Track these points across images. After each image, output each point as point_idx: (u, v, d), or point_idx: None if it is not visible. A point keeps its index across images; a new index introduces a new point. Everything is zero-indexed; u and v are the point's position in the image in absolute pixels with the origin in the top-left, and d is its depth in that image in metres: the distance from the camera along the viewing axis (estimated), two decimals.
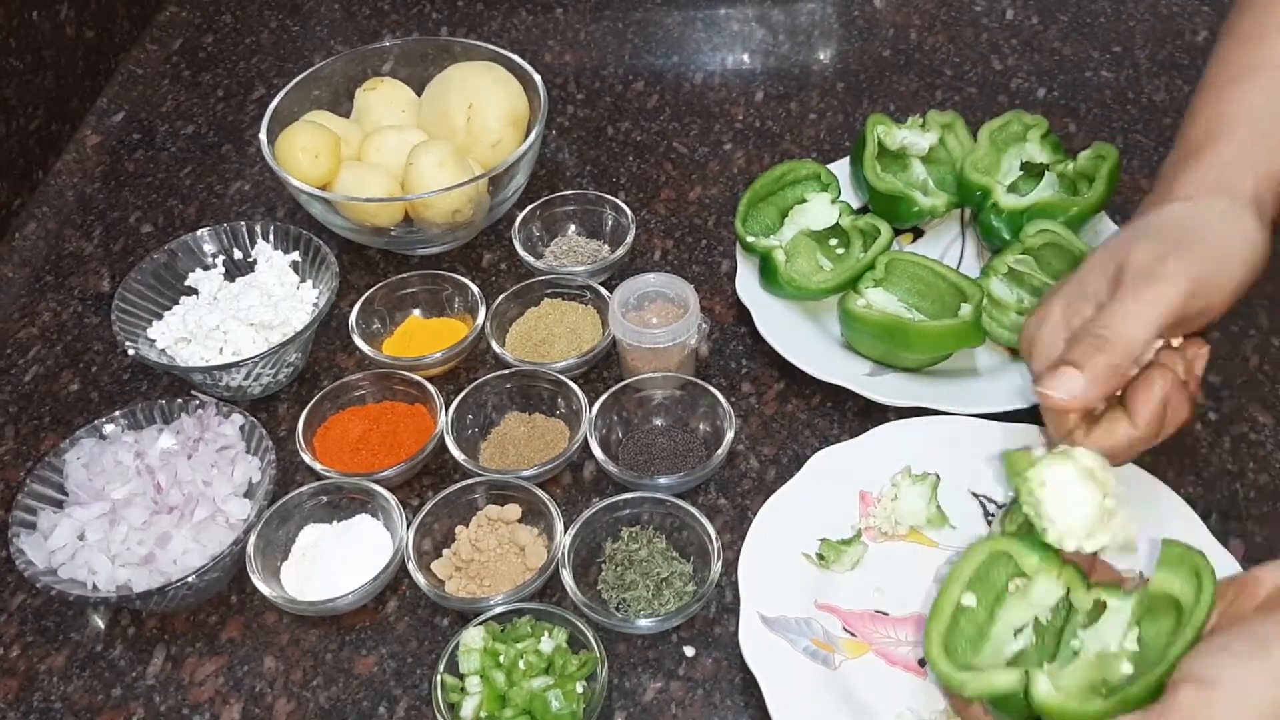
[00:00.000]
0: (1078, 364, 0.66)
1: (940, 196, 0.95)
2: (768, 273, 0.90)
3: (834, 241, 0.93)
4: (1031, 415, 0.82)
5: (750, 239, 0.92)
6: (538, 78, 1.01)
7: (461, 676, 0.69)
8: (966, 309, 0.83)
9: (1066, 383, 0.66)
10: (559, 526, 0.76)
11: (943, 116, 0.98)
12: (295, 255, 0.94)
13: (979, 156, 0.95)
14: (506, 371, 0.86)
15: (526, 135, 0.99)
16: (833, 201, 0.94)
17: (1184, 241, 0.68)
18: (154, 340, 0.88)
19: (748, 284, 0.92)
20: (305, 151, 0.93)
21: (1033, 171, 0.95)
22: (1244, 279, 0.69)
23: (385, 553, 0.77)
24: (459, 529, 0.79)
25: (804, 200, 0.95)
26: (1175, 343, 0.71)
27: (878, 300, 0.88)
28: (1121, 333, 0.66)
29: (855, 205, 0.96)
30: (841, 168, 1.00)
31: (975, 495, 0.79)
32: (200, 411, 0.82)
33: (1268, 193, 0.71)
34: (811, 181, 0.96)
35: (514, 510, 0.79)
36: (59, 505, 0.78)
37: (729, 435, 0.81)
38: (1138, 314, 0.66)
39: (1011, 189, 0.94)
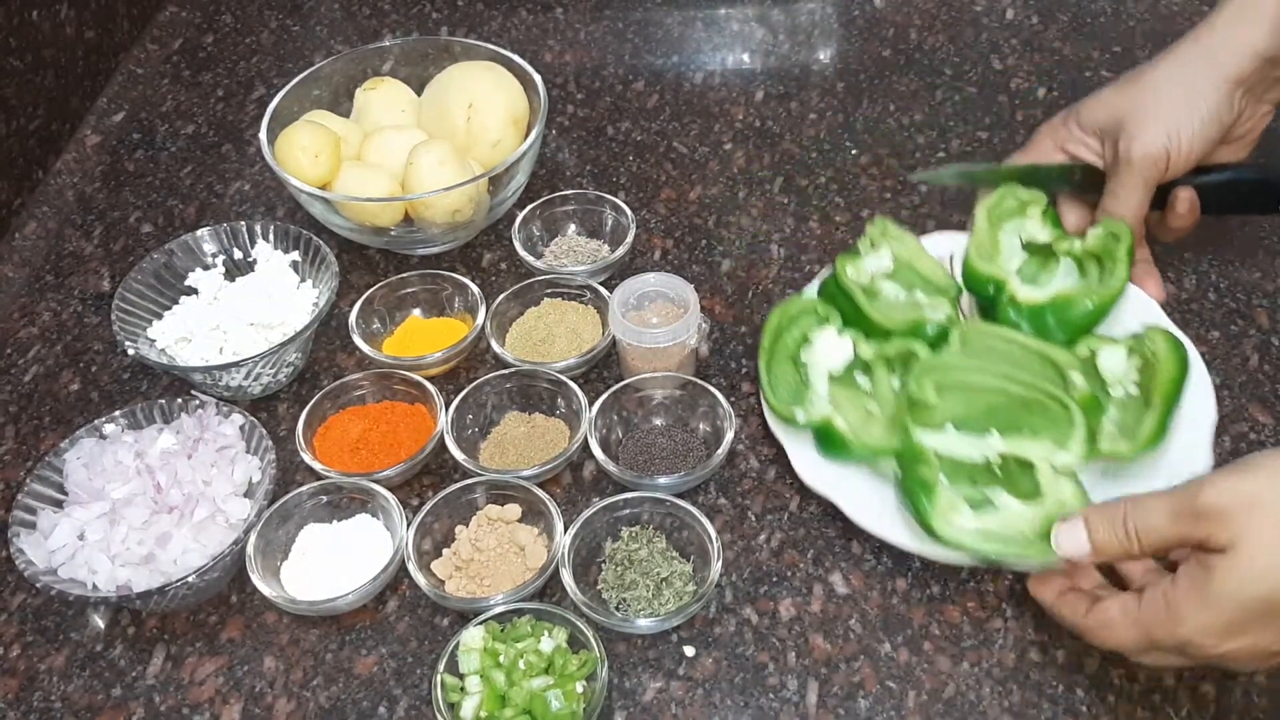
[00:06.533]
0: None
1: (941, 301, 0.84)
2: (832, 445, 0.78)
3: (859, 376, 0.82)
4: None
5: (800, 418, 0.79)
6: (538, 78, 1.01)
7: (461, 676, 0.69)
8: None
9: None
10: (559, 526, 0.76)
11: (875, 226, 0.87)
12: (295, 255, 0.94)
13: (981, 241, 0.86)
14: (506, 371, 0.86)
15: (526, 135, 0.99)
16: (839, 332, 0.82)
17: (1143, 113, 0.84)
18: (154, 340, 0.88)
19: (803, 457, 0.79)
20: (305, 151, 0.93)
21: (1036, 252, 0.87)
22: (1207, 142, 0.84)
23: (385, 553, 0.77)
24: (459, 529, 0.79)
25: (807, 340, 0.83)
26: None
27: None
28: (1116, 213, 0.84)
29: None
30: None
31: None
32: (200, 411, 0.82)
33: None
34: (808, 317, 0.83)
35: (514, 510, 0.79)
36: (59, 505, 0.78)
37: (729, 435, 0.81)
38: (1125, 196, 0.84)
39: (1024, 278, 0.85)
